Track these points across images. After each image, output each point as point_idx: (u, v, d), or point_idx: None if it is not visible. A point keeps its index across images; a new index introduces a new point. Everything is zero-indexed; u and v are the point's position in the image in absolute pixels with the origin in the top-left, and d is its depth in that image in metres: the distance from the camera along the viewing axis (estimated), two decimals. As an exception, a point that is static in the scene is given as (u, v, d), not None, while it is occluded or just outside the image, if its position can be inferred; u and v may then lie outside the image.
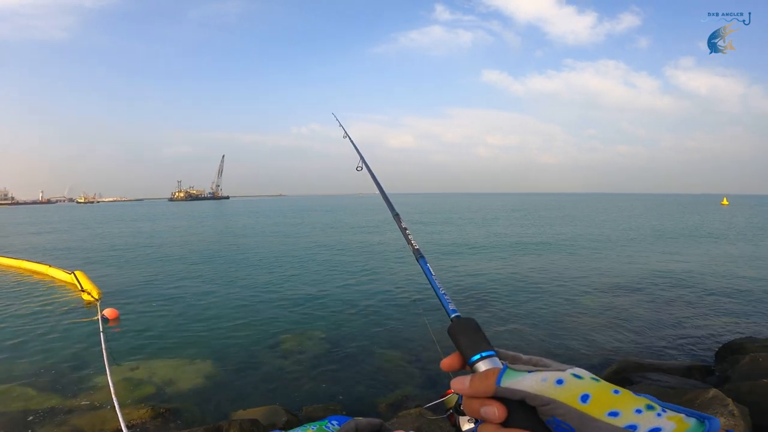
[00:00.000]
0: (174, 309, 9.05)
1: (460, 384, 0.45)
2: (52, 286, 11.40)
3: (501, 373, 0.43)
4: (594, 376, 0.43)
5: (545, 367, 0.45)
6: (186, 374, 5.69)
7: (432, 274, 0.57)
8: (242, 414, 4.08)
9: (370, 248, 18.91)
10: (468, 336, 0.48)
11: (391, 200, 0.77)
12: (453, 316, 0.50)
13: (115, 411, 3.69)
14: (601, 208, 63.99)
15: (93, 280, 10.92)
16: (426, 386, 5.37)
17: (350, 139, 1.10)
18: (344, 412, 4.30)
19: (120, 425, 2.99)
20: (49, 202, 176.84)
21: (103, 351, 5.15)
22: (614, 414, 0.39)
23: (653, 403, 0.41)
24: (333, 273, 13.17)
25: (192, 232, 28.22)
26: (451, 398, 0.84)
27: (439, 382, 5.38)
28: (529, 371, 0.43)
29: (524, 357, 0.47)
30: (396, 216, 0.71)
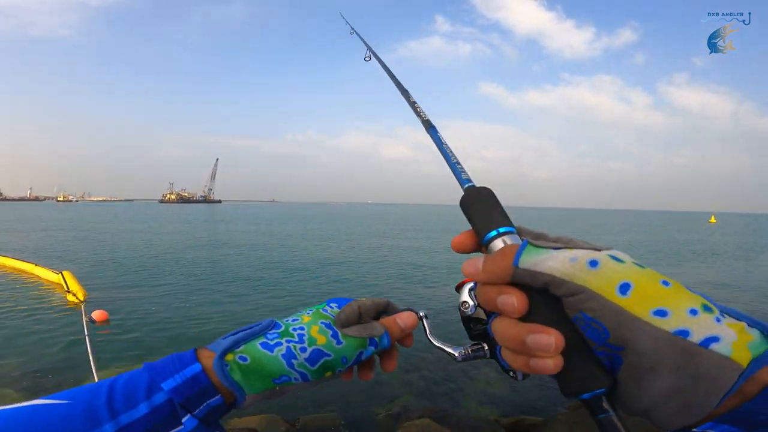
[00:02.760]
0: (163, 314, 8.83)
1: (472, 267, 0.35)
2: (38, 286, 11.09)
3: (520, 251, 0.33)
4: (638, 261, 0.33)
5: (576, 247, 0.34)
6: (176, 379, 5.50)
7: (443, 143, 0.50)
8: (238, 422, 3.94)
9: (363, 256, 18.83)
10: (483, 208, 0.38)
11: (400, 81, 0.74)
12: (466, 186, 0.42)
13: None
14: (592, 223, 64.86)
15: (80, 281, 10.64)
16: (425, 394, 5.25)
17: (357, 33, 1.08)
18: (342, 421, 4.16)
19: None
20: (37, 199, 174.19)
21: (89, 354, 4.98)
22: (662, 313, 0.29)
23: (710, 304, 0.31)
24: (327, 280, 13.02)
25: (184, 236, 27.85)
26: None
27: (438, 390, 5.28)
28: (555, 248, 0.33)
29: (551, 236, 0.37)
30: (405, 92, 0.67)
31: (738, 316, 0.31)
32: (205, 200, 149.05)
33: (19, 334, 7.28)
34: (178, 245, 21.59)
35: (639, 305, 0.30)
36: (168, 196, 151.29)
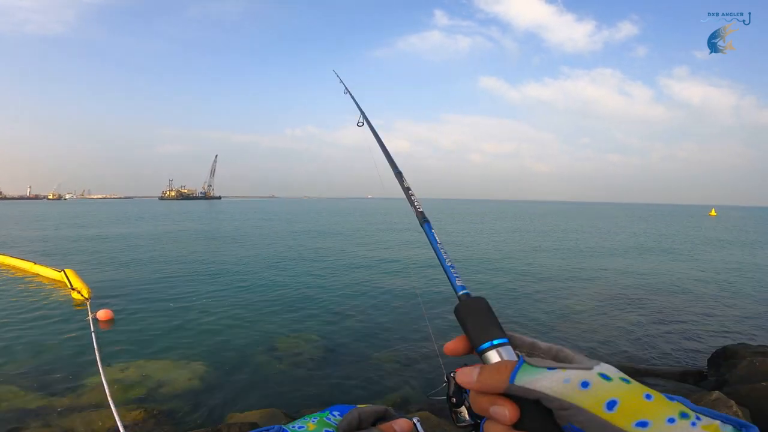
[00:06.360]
0: (167, 310, 8.92)
1: (467, 377, 0.38)
2: (40, 284, 11.17)
3: (516, 368, 0.37)
4: (624, 375, 0.36)
5: (567, 362, 0.38)
6: (180, 376, 5.60)
7: (437, 243, 0.49)
8: (239, 417, 4.02)
9: (363, 251, 18.87)
10: (478, 318, 0.41)
11: (393, 158, 0.69)
12: (461, 293, 0.43)
13: (109, 412, 3.61)
14: (594, 216, 64.68)
15: (83, 278, 10.71)
16: (424, 388, 5.35)
17: (351, 94, 1.10)
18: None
19: (117, 425, 2.92)
20: (36, 197, 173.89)
21: (95, 351, 5.05)
22: (643, 425, 0.33)
23: (688, 410, 0.35)
24: (327, 276, 13.10)
25: (186, 233, 27.88)
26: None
27: (437, 384, 5.35)
28: (549, 368, 0.36)
29: (543, 345, 0.41)
30: (398, 174, 0.64)
31: (712, 415, 0.35)
32: (205, 197, 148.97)
33: (26, 332, 7.37)
34: (184, 242, 21.66)
35: (623, 419, 0.34)
36: (168, 192, 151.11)
